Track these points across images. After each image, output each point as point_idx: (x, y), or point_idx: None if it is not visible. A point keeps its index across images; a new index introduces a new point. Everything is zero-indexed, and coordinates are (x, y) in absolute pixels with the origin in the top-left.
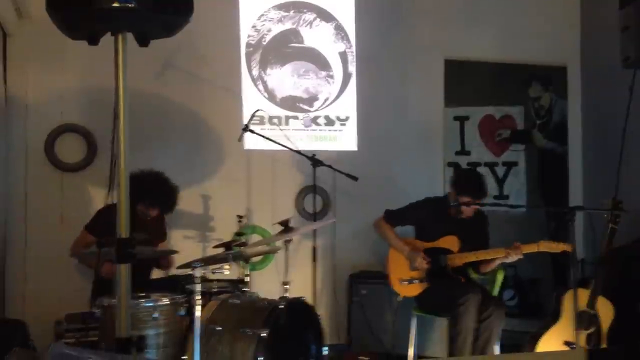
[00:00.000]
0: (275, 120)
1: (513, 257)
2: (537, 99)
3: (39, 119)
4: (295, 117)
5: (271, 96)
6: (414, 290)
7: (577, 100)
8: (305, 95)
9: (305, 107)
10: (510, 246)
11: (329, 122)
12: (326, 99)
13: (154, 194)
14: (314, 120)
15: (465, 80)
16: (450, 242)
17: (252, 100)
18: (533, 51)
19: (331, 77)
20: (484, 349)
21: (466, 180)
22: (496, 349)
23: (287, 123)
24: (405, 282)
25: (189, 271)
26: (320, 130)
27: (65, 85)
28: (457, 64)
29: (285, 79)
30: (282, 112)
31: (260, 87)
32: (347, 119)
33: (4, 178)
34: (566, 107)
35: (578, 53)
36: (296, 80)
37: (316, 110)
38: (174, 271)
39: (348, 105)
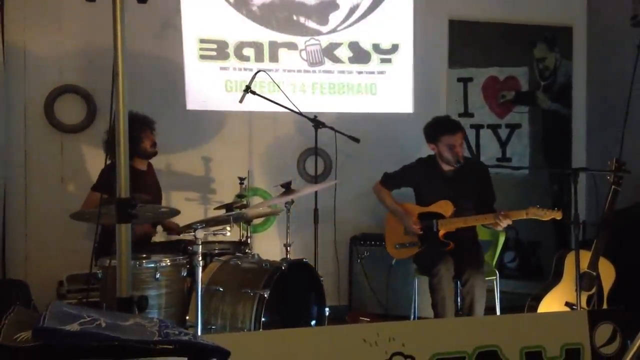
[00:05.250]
0: (249, 53)
1: (502, 224)
2: (541, 60)
3: (38, 80)
4: (292, 46)
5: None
6: (406, 253)
7: (583, 61)
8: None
9: (312, 24)
10: (499, 213)
11: (360, 55)
12: (352, 11)
13: (136, 118)
14: (328, 52)
15: (469, 41)
16: (443, 206)
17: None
18: (538, 11)
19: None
20: (470, 313)
21: (431, 124)
22: (480, 311)
23: (274, 58)
24: (398, 246)
25: (191, 232)
26: (341, 71)
27: (64, 46)
28: (462, 24)
29: None
30: (265, 35)
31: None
32: (395, 49)
33: (3, 139)
34: (571, 68)
35: (584, 13)
36: None
37: (333, 31)
38: (179, 236)
39: None
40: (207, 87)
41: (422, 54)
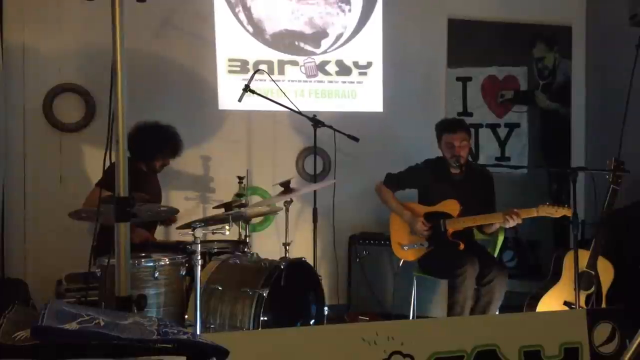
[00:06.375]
0: (264, 68)
1: (512, 223)
2: (541, 60)
3: (37, 79)
4: (294, 63)
5: (257, 30)
6: (414, 254)
7: (582, 61)
8: (308, 30)
9: (309, 47)
10: (509, 211)
11: (343, 69)
12: (338, 37)
13: (170, 142)
14: (320, 67)
15: (468, 40)
16: (450, 206)
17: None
18: (538, 10)
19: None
20: (484, 312)
21: (437, 123)
22: (495, 312)
23: (281, 71)
24: (406, 247)
25: (190, 232)
26: (330, 82)
27: (62, 45)
28: (461, 23)
29: (278, 5)
30: (275, 55)
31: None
32: (369, 65)
33: (2, 138)
34: (570, 68)
35: (583, 12)
36: (295, 7)
37: (324, 52)
38: (179, 237)
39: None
40: (233, 95)
41: (422, 53)
